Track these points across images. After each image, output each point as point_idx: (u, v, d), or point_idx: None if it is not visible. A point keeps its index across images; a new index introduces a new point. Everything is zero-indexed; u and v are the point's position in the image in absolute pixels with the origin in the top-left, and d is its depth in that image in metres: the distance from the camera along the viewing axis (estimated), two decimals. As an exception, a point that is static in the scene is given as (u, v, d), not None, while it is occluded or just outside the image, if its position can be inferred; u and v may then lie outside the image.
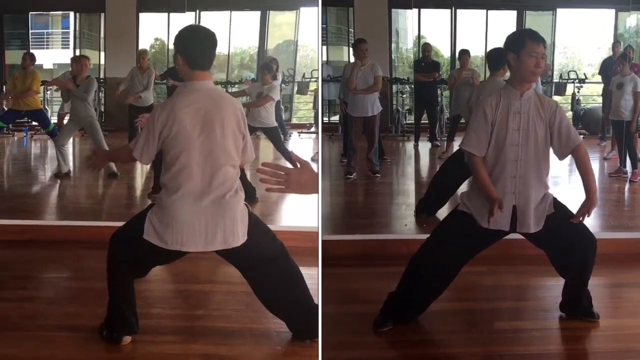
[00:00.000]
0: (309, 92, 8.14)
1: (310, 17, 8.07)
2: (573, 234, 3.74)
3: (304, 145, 7.91)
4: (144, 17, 7.60)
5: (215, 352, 3.50)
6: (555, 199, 3.77)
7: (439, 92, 7.72)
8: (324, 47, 7.86)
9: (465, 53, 7.07)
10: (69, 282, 4.56)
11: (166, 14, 7.65)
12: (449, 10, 7.80)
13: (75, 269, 4.78)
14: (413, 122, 7.85)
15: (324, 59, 7.85)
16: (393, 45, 7.98)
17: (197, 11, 7.36)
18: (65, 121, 7.17)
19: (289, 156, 6.75)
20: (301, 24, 8.09)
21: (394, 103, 7.96)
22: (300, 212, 6.11)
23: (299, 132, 8.04)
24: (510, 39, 3.67)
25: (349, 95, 6.87)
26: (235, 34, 7.87)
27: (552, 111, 3.64)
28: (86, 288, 4.29)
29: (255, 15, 8.06)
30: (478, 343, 3.68)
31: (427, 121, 7.68)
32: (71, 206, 6.49)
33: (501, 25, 7.92)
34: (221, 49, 7.79)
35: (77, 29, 7.88)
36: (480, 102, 3.79)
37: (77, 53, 7.72)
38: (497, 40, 7.77)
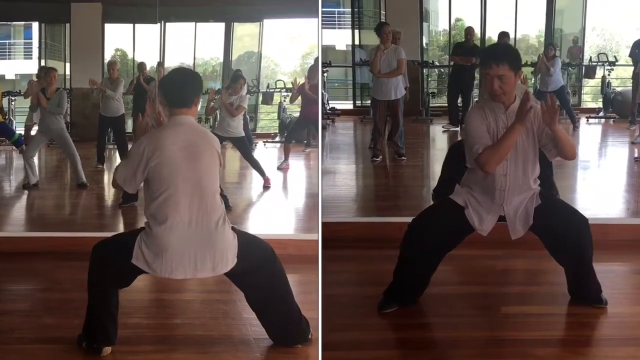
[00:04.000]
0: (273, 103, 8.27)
1: (272, 28, 8.18)
2: (563, 220, 3.77)
3: (269, 155, 8.00)
4: (109, 27, 7.61)
5: (196, 360, 3.54)
6: (541, 190, 3.81)
7: (476, 76, 7.77)
8: (358, 31, 8.11)
9: (504, 35, 7.16)
10: (45, 293, 4.54)
11: (131, 25, 7.67)
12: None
13: (50, 281, 4.75)
14: (437, 105, 7.99)
15: (357, 42, 8.10)
16: (424, 27, 8.07)
17: (163, 22, 7.39)
18: (32, 132, 7.17)
19: (258, 166, 6.84)
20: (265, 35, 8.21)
21: (425, 87, 8.06)
22: (271, 218, 6.23)
23: (264, 142, 8.13)
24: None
25: (373, 78, 7.00)
26: (199, 45, 7.93)
27: (540, 120, 3.64)
28: (62, 299, 4.30)
29: (220, 26, 8.13)
30: (484, 327, 3.75)
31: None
32: (42, 217, 6.47)
33: (531, 7, 8.03)
34: (186, 60, 7.85)
35: (41, 39, 7.86)
36: (468, 117, 3.78)
37: (42, 63, 7.71)
38: (527, 23, 7.95)
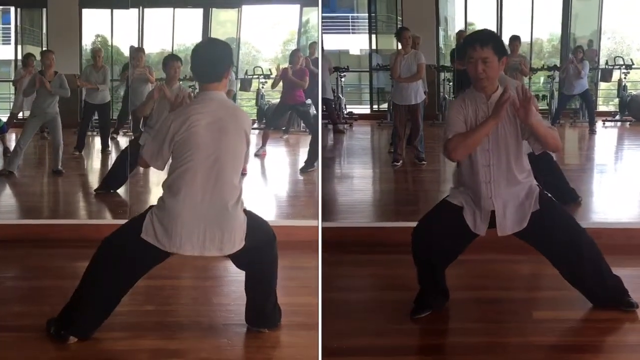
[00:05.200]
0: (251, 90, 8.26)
1: (252, 15, 8.16)
2: (559, 231, 3.70)
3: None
4: (86, 12, 7.55)
5: (164, 346, 3.54)
6: (542, 194, 3.71)
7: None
8: (374, 36, 8.14)
9: (515, 39, 7.11)
10: (15, 281, 4.53)
11: (109, 10, 7.62)
12: (495, -3, 7.89)
13: (21, 268, 4.75)
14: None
15: (374, 47, 8.14)
16: (441, 32, 8.09)
17: (141, 8, 7.34)
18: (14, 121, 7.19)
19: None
20: (243, 21, 8.18)
21: (441, 91, 8.08)
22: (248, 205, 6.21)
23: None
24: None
25: (393, 83, 7.06)
26: (178, 31, 7.89)
27: None
28: (33, 287, 4.30)
29: (198, 12, 8.10)
30: (516, 333, 3.70)
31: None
32: (16, 204, 6.47)
33: (547, 10, 7.98)
34: (165, 46, 7.81)
35: (18, 24, 7.80)
36: (448, 107, 3.79)
37: (20, 49, 7.65)
38: (543, 25, 7.94)
